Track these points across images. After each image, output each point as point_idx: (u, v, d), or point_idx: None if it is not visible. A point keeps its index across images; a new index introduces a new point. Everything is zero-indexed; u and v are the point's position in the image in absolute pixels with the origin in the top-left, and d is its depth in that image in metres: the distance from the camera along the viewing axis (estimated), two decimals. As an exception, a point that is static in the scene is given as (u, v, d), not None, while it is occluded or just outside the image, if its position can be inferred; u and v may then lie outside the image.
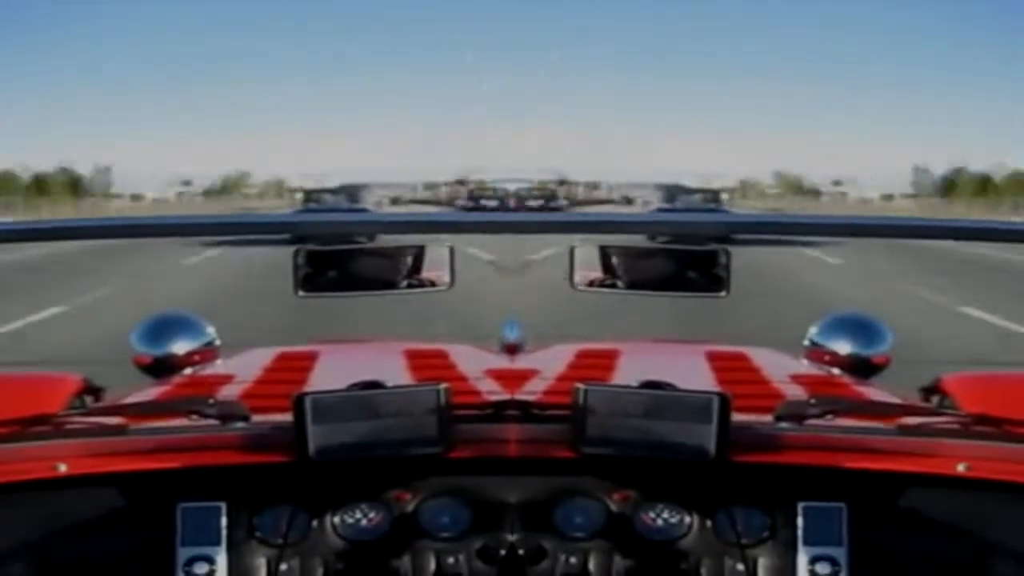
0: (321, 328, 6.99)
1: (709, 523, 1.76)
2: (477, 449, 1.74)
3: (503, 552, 1.74)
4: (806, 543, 1.72)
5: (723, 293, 1.82)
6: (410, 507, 1.77)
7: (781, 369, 2.52)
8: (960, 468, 1.69)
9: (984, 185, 63.47)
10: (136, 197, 68.06)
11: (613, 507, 1.77)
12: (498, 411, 1.84)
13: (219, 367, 2.57)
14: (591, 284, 1.92)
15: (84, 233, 1.71)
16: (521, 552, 1.74)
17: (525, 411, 1.83)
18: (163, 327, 2.68)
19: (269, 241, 1.68)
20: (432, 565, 1.75)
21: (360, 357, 2.85)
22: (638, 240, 1.93)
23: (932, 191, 66.19)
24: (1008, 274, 14.84)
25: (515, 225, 1.63)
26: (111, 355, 2.83)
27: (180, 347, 2.62)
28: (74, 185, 63.44)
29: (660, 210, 27.32)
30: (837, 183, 70.84)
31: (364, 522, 1.77)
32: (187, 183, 70.45)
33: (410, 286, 1.89)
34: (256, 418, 1.83)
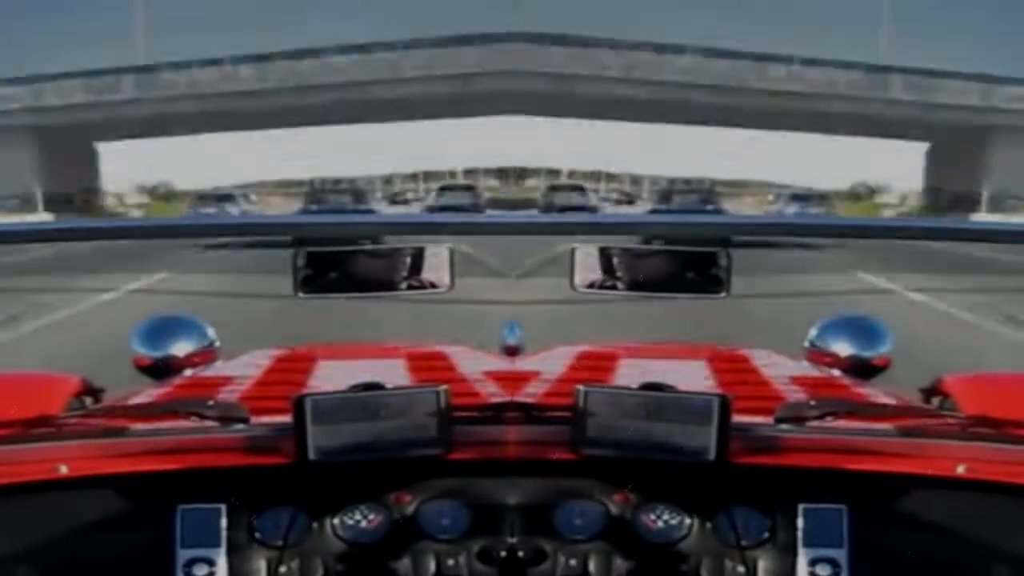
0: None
1: (709, 525, 1.76)
2: (477, 451, 1.74)
3: (503, 554, 1.74)
4: (806, 545, 1.72)
5: (723, 295, 1.82)
6: (410, 509, 1.77)
7: (781, 371, 2.52)
8: (960, 470, 1.69)
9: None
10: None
11: (613, 509, 1.77)
12: (498, 413, 1.84)
13: (218, 369, 2.57)
14: (591, 286, 1.92)
15: (84, 235, 1.71)
16: (521, 554, 1.74)
17: (525, 413, 1.83)
18: (163, 329, 2.68)
19: (271, 244, 1.67)
20: (432, 567, 1.75)
21: (360, 359, 2.85)
22: (638, 242, 1.93)
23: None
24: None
25: (516, 226, 1.63)
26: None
27: (179, 349, 2.62)
28: None
29: (654, 211, 27.01)
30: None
31: (364, 524, 1.76)
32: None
33: (410, 288, 1.89)
34: (256, 420, 1.83)
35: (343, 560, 1.75)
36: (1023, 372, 2.42)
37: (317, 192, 28.27)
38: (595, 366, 2.54)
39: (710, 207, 24.28)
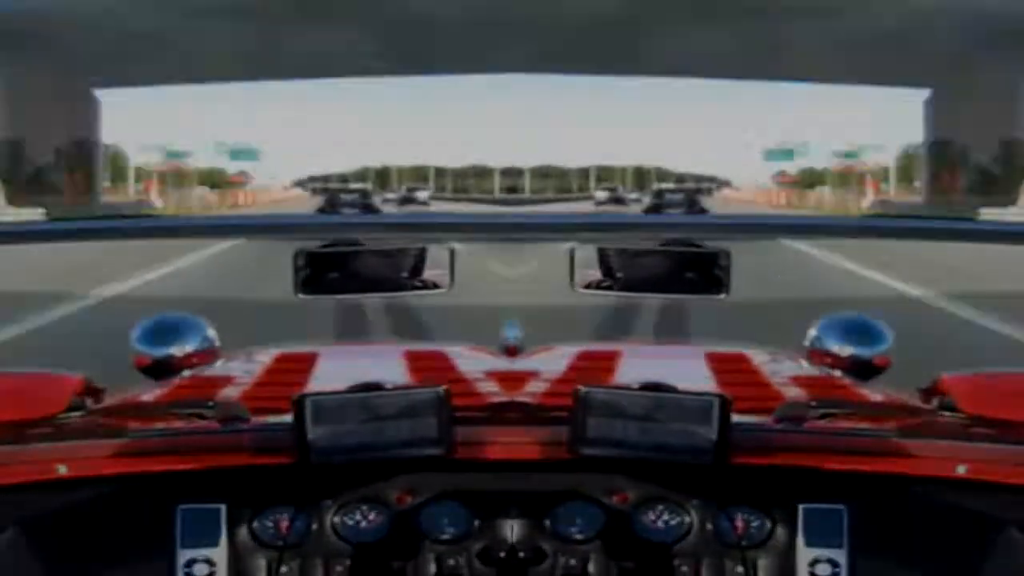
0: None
1: (709, 525, 1.76)
2: (477, 450, 1.74)
3: (503, 554, 1.74)
4: (806, 545, 1.72)
5: (723, 295, 1.82)
6: (410, 509, 1.77)
7: (781, 371, 2.52)
8: (960, 470, 1.69)
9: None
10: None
11: (613, 509, 1.77)
12: (498, 413, 1.84)
13: (219, 369, 2.57)
14: (590, 286, 1.92)
15: (84, 235, 1.71)
16: (521, 554, 1.74)
17: (525, 413, 1.83)
18: (163, 328, 2.67)
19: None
20: (432, 566, 1.75)
21: (360, 359, 2.85)
22: (637, 241, 1.93)
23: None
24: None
25: (516, 226, 1.63)
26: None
27: (179, 349, 2.62)
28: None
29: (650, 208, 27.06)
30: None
31: (364, 523, 1.77)
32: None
33: (411, 287, 1.89)
34: (256, 420, 1.83)
35: (343, 560, 1.76)
36: (1023, 371, 2.41)
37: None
38: (595, 366, 2.54)
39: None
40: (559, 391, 1.99)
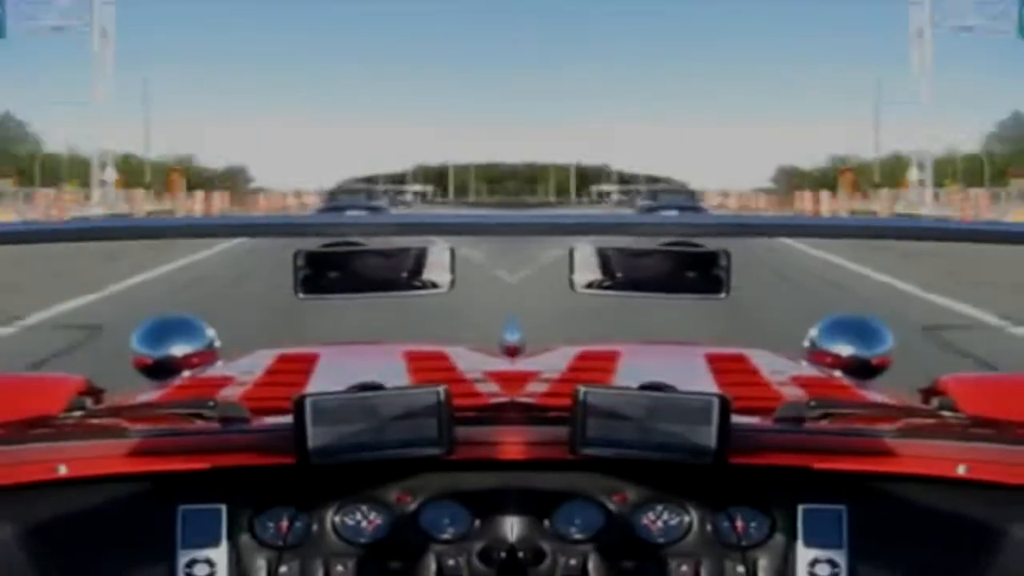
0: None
1: (709, 525, 1.76)
2: (477, 450, 1.74)
3: (503, 554, 1.74)
4: (806, 545, 1.73)
5: (722, 295, 1.82)
6: (410, 509, 1.77)
7: (781, 371, 2.52)
8: (960, 470, 1.69)
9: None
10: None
11: (613, 509, 1.77)
12: (498, 412, 1.84)
13: (219, 369, 2.58)
14: (590, 285, 1.92)
15: (84, 235, 1.71)
16: (521, 554, 1.74)
17: (525, 413, 1.83)
18: (163, 329, 2.68)
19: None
20: (432, 567, 1.75)
21: (360, 359, 2.85)
22: (638, 241, 1.93)
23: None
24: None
25: (515, 227, 1.63)
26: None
27: (179, 349, 2.63)
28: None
29: (649, 209, 27.19)
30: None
31: (364, 524, 1.77)
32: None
33: (411, 287, 1.89)
34: (256, 420, 1.83)
35: (343, 560, 1.76)
36: (1023, 372, 2.42)
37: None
38: (595, 366, 2.55)
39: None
40: (559, 391, 1.99)
